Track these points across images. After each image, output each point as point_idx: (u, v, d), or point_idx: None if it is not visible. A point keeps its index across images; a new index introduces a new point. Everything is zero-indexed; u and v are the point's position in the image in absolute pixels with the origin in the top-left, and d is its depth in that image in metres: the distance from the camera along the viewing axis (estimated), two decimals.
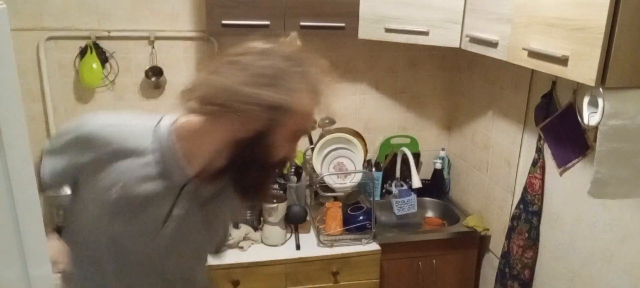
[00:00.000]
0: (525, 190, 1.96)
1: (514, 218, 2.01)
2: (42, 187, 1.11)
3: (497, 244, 2.24)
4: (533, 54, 1.48)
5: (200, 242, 1.19)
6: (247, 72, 0.96)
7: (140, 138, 1.06)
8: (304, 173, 2.39)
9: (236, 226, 2.17)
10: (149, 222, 1.08)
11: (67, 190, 1.18)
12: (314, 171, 2.33)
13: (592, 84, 1.24)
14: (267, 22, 2.03)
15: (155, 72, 2.25)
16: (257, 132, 0.97)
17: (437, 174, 2.59)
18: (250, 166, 1.04)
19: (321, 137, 2.38)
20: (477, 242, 2.33)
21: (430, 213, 2.57)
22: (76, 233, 1.16)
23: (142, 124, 1.08)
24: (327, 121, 2.45)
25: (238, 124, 0.97)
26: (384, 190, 2.56)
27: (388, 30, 2.06)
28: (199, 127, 1.02)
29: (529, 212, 1.94)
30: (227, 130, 0.99)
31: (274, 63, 1.00)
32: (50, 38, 2.14)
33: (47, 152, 1.10)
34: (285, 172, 2.38)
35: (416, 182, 2.29)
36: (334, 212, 2.18)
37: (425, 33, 1.99)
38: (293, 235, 2.19)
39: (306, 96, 1.06)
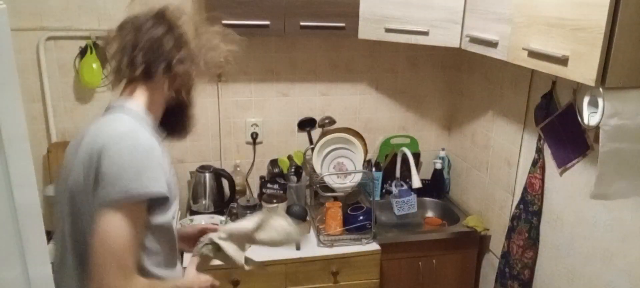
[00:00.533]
0: (525, 190, 1.96)
1: (514, 218, 2.01)
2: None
3: (497, 244, 2.24)
4: (533, 54, 1.48)
5: None
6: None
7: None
8: (304, 173, 2.39)
9: None
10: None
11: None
12: (314, 171, 2.33)
13: (592, 84, 1.24)
14: (267, 22, 2.03)
15: None
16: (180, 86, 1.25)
17: (437, 174, 2.59)
18: (176, 106, 1.29)
19: (321, 137, 2.38)
20: (477, 242, 2.33)
21: (430, 213, 2.57)
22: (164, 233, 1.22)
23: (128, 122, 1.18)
24: (327, 121, 2.45)
25: (168, 84, 1.22)
26: (384, 190, 2.56)
27: (388, 30, 2.06)
28: (147, 94, 1.23)
29: (529, 212, 1.94)
30: (159, 89, 1.23)
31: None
32: (50, 38, 2.14)
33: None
34: (285, 171, 2.39)
35: (416, 182, 2.29)
36: (334, 212, 2.18)
37: (425, 33, 1.99)
38: None
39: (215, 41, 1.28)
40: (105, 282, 1.04)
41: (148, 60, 1.16)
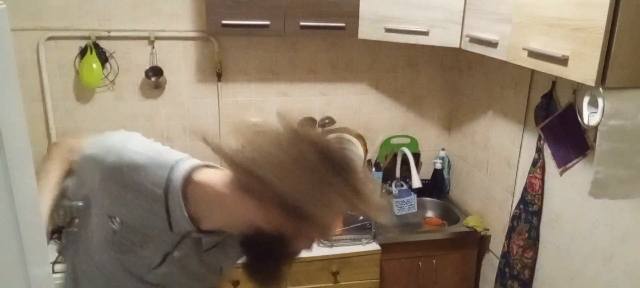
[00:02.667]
0: (525, 190, 1.96)
1: (514, 218, 2.01)
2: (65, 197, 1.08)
3: (497, 244, 2.24)
4: (533, 54, 1.48)
5: (194, 284, 1.14)
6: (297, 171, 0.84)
7: (151, 177, 0.97)
8: None
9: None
10: (145, 258, 1.03)
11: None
12: None
13: (592, 84, 1.24)
14: (267, 22, 2.03)
15: (155, 72, 2.25)
16: (279, 230, 0.89)
17: (437, 174, 2.60)
18: (263, 252, 0.95)
19: None
20: (477, 242, 2.33)
21: (430, 213, 2.57)
22: (81, 245, 1.13)
23: (159, 161, 0.99)
24: (327, 121, 2.45)
25: (262, 216, 0.88)
26: (384, 190, 2.56)
27: (388, 30, 2.06)
28: (216, 197, 0.94)
29: (529, 212, 1.94)
30: (247, 214, 0.90)
31: (321, 173, 0.84)
32: (50, 38, 2.14)
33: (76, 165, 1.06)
34: None
35: (416, 182, 2.29)
36: None
37: (425, 33, 1.99)
38: None
39: (338, 212, 0.91)
40: None
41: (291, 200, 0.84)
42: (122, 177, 0.96)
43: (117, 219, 0.99)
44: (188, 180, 0.96)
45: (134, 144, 1.00)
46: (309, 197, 0.83)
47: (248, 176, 0.87)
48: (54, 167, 1.10)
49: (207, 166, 1.02)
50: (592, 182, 1.40)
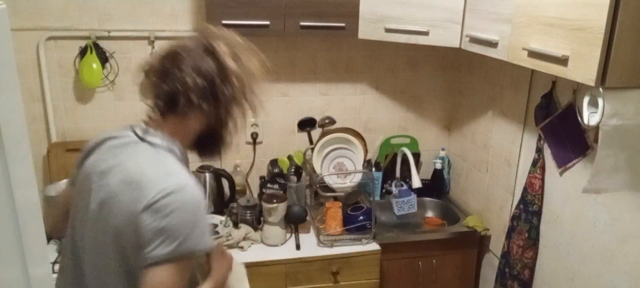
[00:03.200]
0: (525, 190, 1.96)
1: (514, 218, 2.01)
2: None
3: (497, 244, 2.24)
4: (533, 54, 1.48)
5: None
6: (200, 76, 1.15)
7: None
8: (304, 173, 2.39)
9: (236, 226, 2.17)
10: None
11: None
12: (314, 171, 2.33)
13: (592, 84, 1.24)
14: (267, 22, 2.03)
15: None
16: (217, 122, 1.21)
17: (437, 174, 2.60)
18: (208, 140, 1.26)
19: (321, 137, 2.38)
20: (477, 242, 2.33)
21: (430, 213, 2.57)
22: None
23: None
24: (327, 121, 2.45)
25: (205, 119, 1.20)
26: (384, 190, 2.56)
27: (388, 30, 2.06)
28: (182, 130, 1.21)
29: (529, 212, 1.94)
30: (197, 125, 1.21)
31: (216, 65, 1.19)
32: (50, 38, 2.14)
33: None
34: (285, 172, 2.39)
35: (416, 182, 2.29)
36: (334, 212, 2.18)
37: (425, 33, 1.99)
38: (293, 235, 2.19)
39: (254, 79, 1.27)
40: None
41: (199, 101, 1.14)
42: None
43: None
44: (164, 132, 1.22)
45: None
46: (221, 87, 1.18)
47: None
48: None
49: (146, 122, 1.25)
50: (589, 180, 1.41)
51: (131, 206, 1.07)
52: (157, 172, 1.10)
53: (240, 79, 1.19)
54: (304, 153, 2.45)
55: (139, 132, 1.19)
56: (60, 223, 1.31)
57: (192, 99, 1.13)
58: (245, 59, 1.24)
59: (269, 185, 2.27)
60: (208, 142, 1.26)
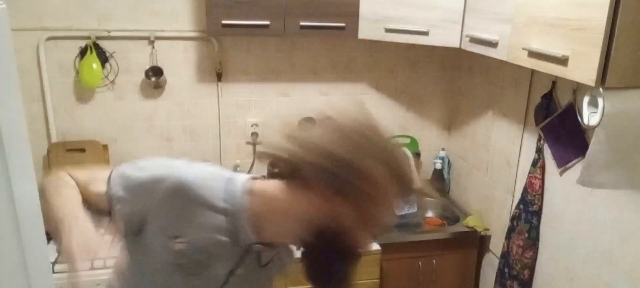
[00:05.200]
0: (525, 190, 1.96)
1: (514, 218, 2.01)
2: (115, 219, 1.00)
3: (497, 244, 2.24)
4: (533, 54, 1.48)
5: None
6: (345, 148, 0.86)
7: (213, 191, 0.97)
8: None
9: None
10: (210, 278, 1.02)
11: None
12: None
13: (592, 84, 1.24)
14: (267, 22, 2.03)
15: (155, 72, 2.26)
16: (340, 218, 0.88)
17: (437, 174, 2.59)
18: (327, 256, 0.93)
19: None
20: (477, 242, 2.33)
21: (430, 213, 2.57)
22: (135, 271, 1.07)
23: (214, 176, 1.00)
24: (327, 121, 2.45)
25: (323, 203, 0.88)
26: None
27: (388, 30, 2.06)
28: (276, 202, 0.95)
29: (529, 212, 1.94)
30: (308, 211, 0.90)
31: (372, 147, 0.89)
32: (50, 38, 2.14)
33: (120, 181, 0.99)
34: None
35: (416, 182, 2.29)
36: None
37: (425, 33, 1.99)
38: None
39: (390, 186, 0.91)
40: None
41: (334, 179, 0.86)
42: (185, 194, 0.95)
43: (182, 239, 0.97)
44: (248, 191, 0.97)
45: (188, 164, 1.00)
46: (363, 173, 0.85)
47: (307, 168, 0.87)
48: (68, 188, 1.04)
49: (255, 178, 1.02)
50: (581, 171, 1.42)
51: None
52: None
53: (384, 202, 0.91)
54: None
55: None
56: None
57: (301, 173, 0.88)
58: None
59: None
60: (324, 255, 0.93)
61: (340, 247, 0.91)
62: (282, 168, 0.93)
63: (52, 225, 0.97)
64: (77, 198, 1.02)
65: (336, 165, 0.85)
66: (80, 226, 0.94)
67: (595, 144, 1.39)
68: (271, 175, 0.97)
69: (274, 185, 0.96)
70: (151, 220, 0.98)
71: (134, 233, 1.01)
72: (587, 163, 1.43)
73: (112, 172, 1.02)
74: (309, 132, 0.90)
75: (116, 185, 0.99)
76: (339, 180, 0.85)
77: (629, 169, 1.43)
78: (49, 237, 1.08)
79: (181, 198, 0.95)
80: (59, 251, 0.93)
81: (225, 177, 1.00)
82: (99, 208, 1.02)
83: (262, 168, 2.50)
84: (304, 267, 0.95)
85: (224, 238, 0.98)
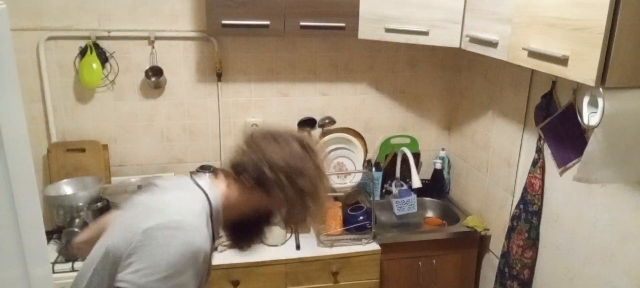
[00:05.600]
0: (525, 190, 1.96)
1: (514, 218, 2.01)
2: None
3: (497, 244, 2.24)
4: (533, 54, 1.48)
5: None
6: (289, 164, 1.16)
7: (204, 231, 1.13)
8: None
9: None
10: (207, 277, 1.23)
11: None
12: None
13: (592, 84, 1.24)
14: (267, 22, 2.03)
15: (155, 72, 2.26)
16: (281, 207, 1.20)
17: (437, 174, 2.59)
18: (250, 224, 1.27)
19: (321, 137, 2.38)
20: (477, 242, 2.33)
21: (430, 213, 2.57)
22: None
23: (201, 219, 1.14)
24: (327, 121, 2.45)
25: (268, 201, 1.19)
26: (384, 190, 2.56)
27: (388, 30, 2.06)
28: (237, 198, 1.20)
29: (529, 212, 1.94)
30: (256, 203, 1.21)
31: (308, 166, 1.18)
32: (50, 38, 2.14)
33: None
34: None
35: (416, 182, 2.29)
36: (334, 212, 2.18)
37: (425, 33, 1.99)
38: (293, 235, 2.19)
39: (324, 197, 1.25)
40: None
41: (279, 181, 1.15)
42: (200, 256, 1.10)
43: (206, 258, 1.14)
44: (221, 194, 1.21)
45: (182, 222, 1.12)
46: (305, 178, 1.16)
47: (262, 175, 1.15)
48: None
49: (213, 172, 1.30)
50: (578, 168, 1.44)
51: (137, 223, 1.07)
52: (175, 205, 1.12)
53: (316, 180, 1.18)
54: None
55: (197, 179, 1.23)
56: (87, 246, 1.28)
57: (272, 180, 1.14)
58: (323, 171, 1.23)
59: None
60: (247, 227, 1.27)
61: (261, 221, 1.28)
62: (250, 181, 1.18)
63: None
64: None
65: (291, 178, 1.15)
66: None
67: (593, 143, 1.39)
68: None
69: (233, 188, 1.21)
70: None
71: None
72: (585, 161, 1.43)
73: None
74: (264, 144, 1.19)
75: None
76: (292, 187, 1.15)
77: (626, 166, 1.43)
78: (49, 237, 1.08)
79: (198, 259, 1.09)
80: None
81: (199, 209, 1.15)
82: None
83: None
84: (230, 235, 1.30)
85: (210, 241, 1.17)
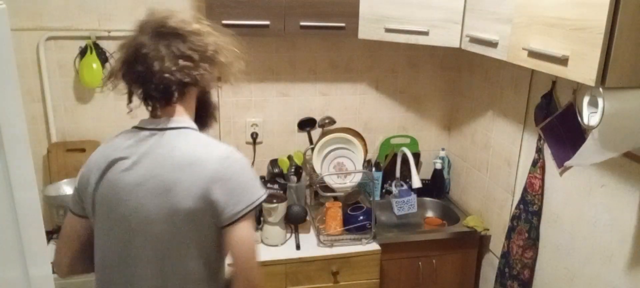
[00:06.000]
0: (525, 190, 1.96)
1: (514, 218, 2.01)
2: None
3: (497, 244, 2.24)
4: (533, 54, 1.48)
5: None
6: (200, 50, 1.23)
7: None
8: (304, 173, 2.39)
9: None
10: None
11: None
12: (314, 171, 2.33)
13: (592, 84, 1.24)
14: (267, 22, 2.03)
15: None
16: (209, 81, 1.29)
17: (437, 174, 2.59)
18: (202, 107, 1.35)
19: (321, 137, 2.38)
20: (477, 242, 2.33)
21: (430, 213, 2.57)
22: None
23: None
24: (327, 121, 2.45)
25: (199, 88, 1.30)
26: (384, 190, 2.56)
27: (388, 30, 2.06)
28: (189, 107, 1.29)
29: (529, 212, 1.94)
30: (196, 96, 1.32)
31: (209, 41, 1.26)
32: (50, 38, 2.14)
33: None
34: (285, 172, 2.39)
35: (416, 182, 2.29)
36: (334, 212, 2.18)
37: (425, 33, 1.99)
38: (293, 235, 2.19)
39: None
40: (257, 281, 1.21)
41: (180, 84, 1.21)
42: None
43: None
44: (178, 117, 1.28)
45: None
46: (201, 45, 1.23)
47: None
48: None
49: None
50: (575, 156, 1.45)
51: (198, 184, 1.15)
52: (205, 147, 1.21)
53: (202, 35, 1.24)
54: (304, 154, 2.46)
55: (154, 125, 1.25)
56: (78, 260, 1.31)
57: (183, 81, 1.20)
58: (205, 29, 1.29)
59: (269, 185, 2.27)
60: (203, 111, 1.36)
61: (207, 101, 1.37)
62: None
63: None
64: None
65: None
66: None
67: (591, 140, 1.39)
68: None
69: (177, 104, 1.27)
70: None
71: None
72: (580, 153, 1.44)
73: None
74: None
75: None
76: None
77: (623, 143, 1.43)
78: (49, 237, 1.08)
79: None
80: None
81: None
82: None
83: (262, 169, 2.50)
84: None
85: None
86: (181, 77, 1.19)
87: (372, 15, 2.08)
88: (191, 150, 1.19)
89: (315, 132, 2.48)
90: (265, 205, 2.09)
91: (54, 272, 1.21)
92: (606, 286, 1.64)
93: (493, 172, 2.28)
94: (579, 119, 1.65)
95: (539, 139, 1.90)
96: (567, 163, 1.50)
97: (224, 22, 1.98)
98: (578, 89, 1.68)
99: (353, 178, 2.34)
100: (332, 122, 2.46)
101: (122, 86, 1.32)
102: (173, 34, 1.21)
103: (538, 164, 1.90)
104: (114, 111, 2.29)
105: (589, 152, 1.41)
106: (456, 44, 1.93)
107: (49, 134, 2.23)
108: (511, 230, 2.03)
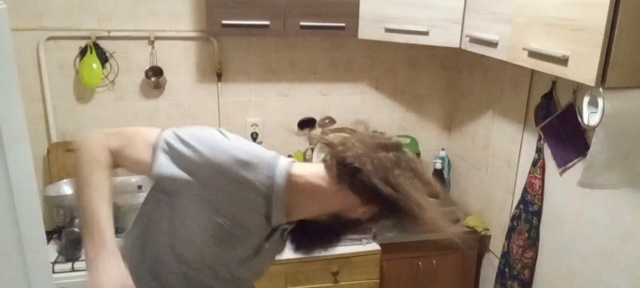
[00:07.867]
0: (525, 190, 1.96)
1: (514, 218, 2.01)
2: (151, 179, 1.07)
3: (497, 244, 2.24)
4: (533, 54, 1.48)
5: (256, 273, 1.26)
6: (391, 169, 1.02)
7: (257, 174, 1.03)
8: None
9: None
10: (242, 250, 1.12)
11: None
12: None
13: (592, 84, 1.24)
14: (267, 22, 2.03)
15: (155, 72, 2.26)
16: (366, 216, 1.07)
17: (437, 174, 2.59)
18: (327, 229, 1.12)
19: None
20: (477, 242, 2.33)
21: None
22: (164, 229, 1.11)
23: (260, 159, 1.05)
24: (327, 121, 2.45)
25: (354, 206, 1.04)
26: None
27: (388, 30, 2.06)
28: (315, 190, 1.05)
29: (529, 212, 1.94)
30: (339, 205, 1.05)
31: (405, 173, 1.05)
32: (50, 38, 2.14)
33: (167, 152, 1.04)
34: None
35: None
36: None
37: (425, 33, 1.99)
38: None
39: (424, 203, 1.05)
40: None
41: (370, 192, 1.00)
42: (233, 174, 1.01)
43: (224, 214, 1.04)
44: (288, 175, 1.05)
45: (237, 143, 1.06)
46: (402, 193, 1.00)
47: (355, 174, 1.00)
48: (100, 171, 1.06)
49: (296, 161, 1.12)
50: (582, 173, 1.42)
51: (260, 174, 1.04)
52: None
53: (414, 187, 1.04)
54: (304, 154, 2.45)
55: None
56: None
57: (368, 185, 0.99)
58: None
59: None
60: (319, 229, 1.11)
61: (343, 226, 1.10)
62: (332, 157, 1.04)
63: (79, 213, 1.01)
64: (106, 194, 1.04)
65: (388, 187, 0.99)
66: (109, 262, 0.96)
67: (595, 145, 1.39)
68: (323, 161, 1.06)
69: (315, 173, 1.06)
70: (196, 191, 1.03)
71: (165, 193, 1.07)
72: (588, 165, 1.42)
73: (158, 140, 1.04)
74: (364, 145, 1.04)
75: (164, 160, 1.02)
76: (387, 198, 0.99)
77: (629, 169, 1.43)
78: (49, 237, 1.08)
79: (228, 177, 1.01)
80: (85, 258, 0.98)
81: (268, 160, 1.05)
82: (130, 170, 1.10)
83: None
84: (298, 235, 1.14)
85: (260, 217, 1.06)
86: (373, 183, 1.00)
87: (372, 15, 2.08)
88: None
89: (315, 132, 2.48)
90: None
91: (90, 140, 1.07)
92: (606, 286, 1.63)
93: (493, 172, 2.28)
94: (579, 119, 1.65)
95: (539, 139, 1.90)
96: (578, 183, 1.47)
97: (224, 22, 1.99)
98: (578, 89, 1.68)
99: None
100: (332, 122, 2.46)
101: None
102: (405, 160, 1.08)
103: (538, 164, 1.90)
104: (114, 111, 2.29)
105: (596, 163, 1.40)
106: (456, 44, 1.93)
107: (49, 134, 2.23)
108: (511, 230, 2.03)
